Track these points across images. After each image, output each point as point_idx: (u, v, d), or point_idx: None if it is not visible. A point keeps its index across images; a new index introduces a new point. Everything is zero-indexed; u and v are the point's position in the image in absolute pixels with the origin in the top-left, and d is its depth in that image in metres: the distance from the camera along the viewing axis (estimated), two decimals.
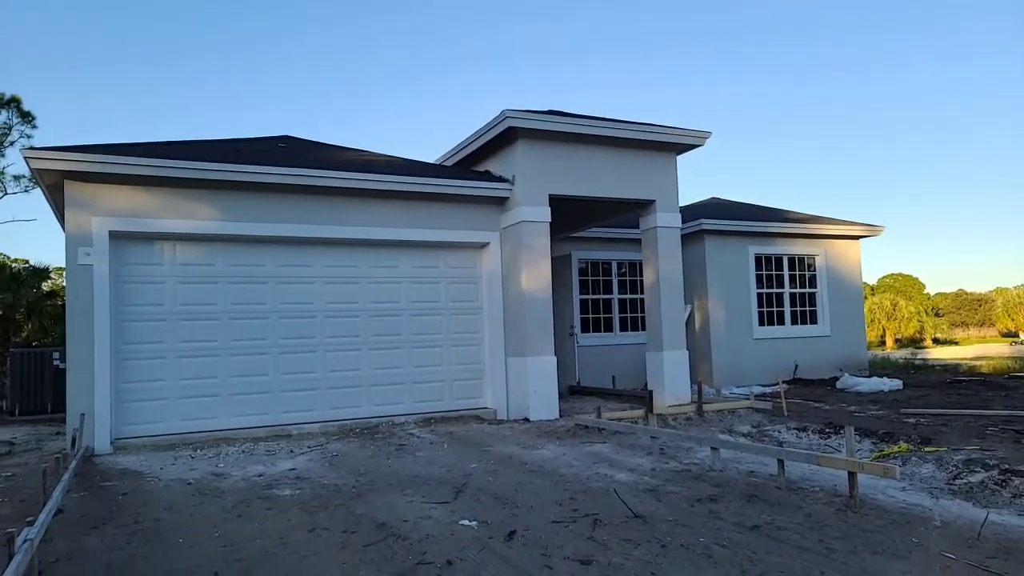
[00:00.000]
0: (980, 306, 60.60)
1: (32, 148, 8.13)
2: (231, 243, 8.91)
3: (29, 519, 3.87)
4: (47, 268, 28.42)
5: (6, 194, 23.04)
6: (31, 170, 8.05)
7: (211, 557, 4.09)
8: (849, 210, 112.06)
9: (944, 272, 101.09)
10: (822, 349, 14.75)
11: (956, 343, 41.54)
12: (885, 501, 4.93)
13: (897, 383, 12.03)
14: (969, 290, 64.33)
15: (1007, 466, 5.52)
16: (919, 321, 42.66)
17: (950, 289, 66.24)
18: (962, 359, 21.42)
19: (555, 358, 9.89)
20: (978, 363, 18.57)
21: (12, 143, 22.70)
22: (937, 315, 56.22)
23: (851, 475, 4.86)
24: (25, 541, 3.56)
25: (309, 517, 4.88)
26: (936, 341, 42.33)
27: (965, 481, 5.32)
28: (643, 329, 12.22)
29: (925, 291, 62.25)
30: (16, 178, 23.00)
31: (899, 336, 40.98)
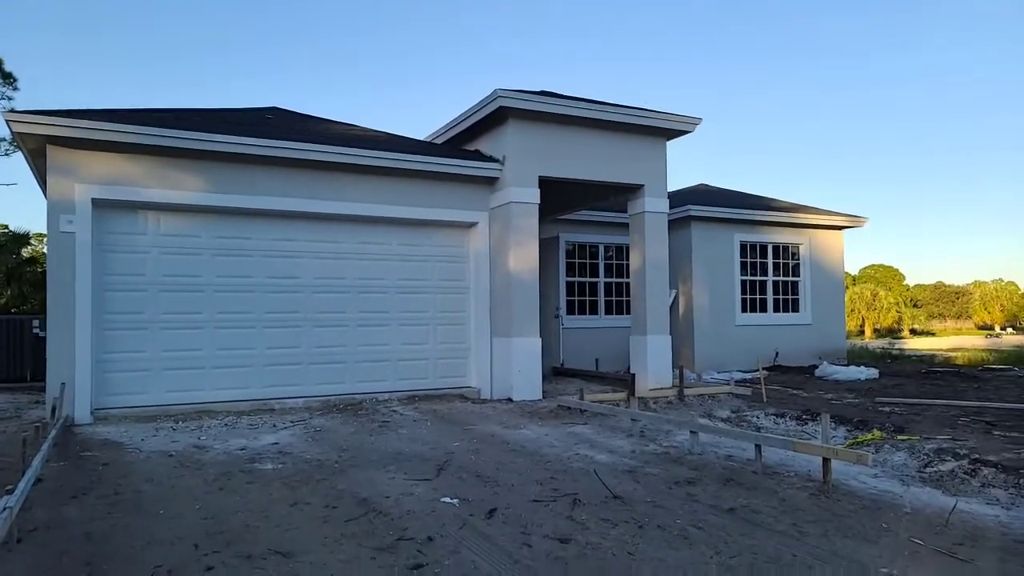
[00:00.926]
0: (958, 299, 61.60)
1: (14, 111, 7.97)
2: (217, 215, 8.84)
3: (8, 487, 3.85)
4: (27, 234, 28.02)
5: None
6: (12, 134, 7.90)
7: (192, 529, 4.10)
8: (833, 199, 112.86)
9: (924, 264, 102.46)
10: (803, 337, 14.95)
11: (933, 334, 42.26)
12: (857, 487, 5.05)
13: (874, 372, 12.25)
14: (948, 283, 65.39)
15: (977, 456, 5.67)
16: (898, 312, 43.32)
17: (929, 281, 67.29)
18: (938, 350, 21.82)
19: (540, 339, 9.95)
20: (954, 354, 18.94)
21: None
22: (916, 306, 57.08)
23: (825, 461, 4.98)
24: (4, 509, 3.56)
25: (291, 492, 4.90)
26: (914, 332, 43.04)
27: (936, 469, 5.46)
28: (628, 313, 12.33)
29: (905, 282, 63.12)
30: None
31: (878, 326, 41.61)
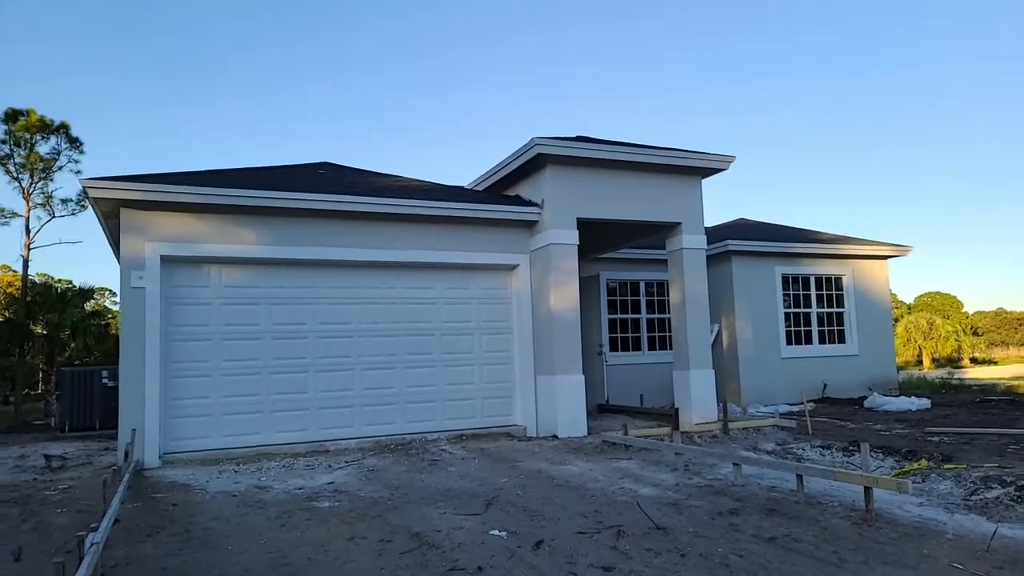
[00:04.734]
0: (1021, 324, 59.10)
1: (91, 178, 8.54)
2: (273, 266, 9.36)
3: (93, 525, 4.20)
4: (91, 288, 29.48)
5: (54, 217, 24.17)
6: (89, 199, 8.54)
7: (258, 563, 4.39)
8: (883, 227, 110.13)
9: (984, 290, 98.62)
10: (851, 368, 14.72)
11: (995, 363, 40.61)
12: (901, 516, 5.08)
13: (925, 402, 12.01)
14: (1009, 308, 62.86)
15: (1023, 483, 5.63)
16: (956, 340, 41.81)
17: (990, 307, 64.83)
18: (1000, 379, 21.05)
19: (583, 377, 10.11)
20: (1016, 383, 18.26)
21: (60, 168, 23.85)
22: (976, 334, 54.89)
23: (867, 490, 5.04)
24: (91, 545, 3.89)
25: (348, 527, 5.17)
26: (974, 360, 41.43)
27: (981, 497, 5.45)
28: (671, 348, 12.38)
29: (963, 310, 60.95)
30: (64, 201, 24.13)
31: (936, 355, 40.24)
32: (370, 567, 4.24)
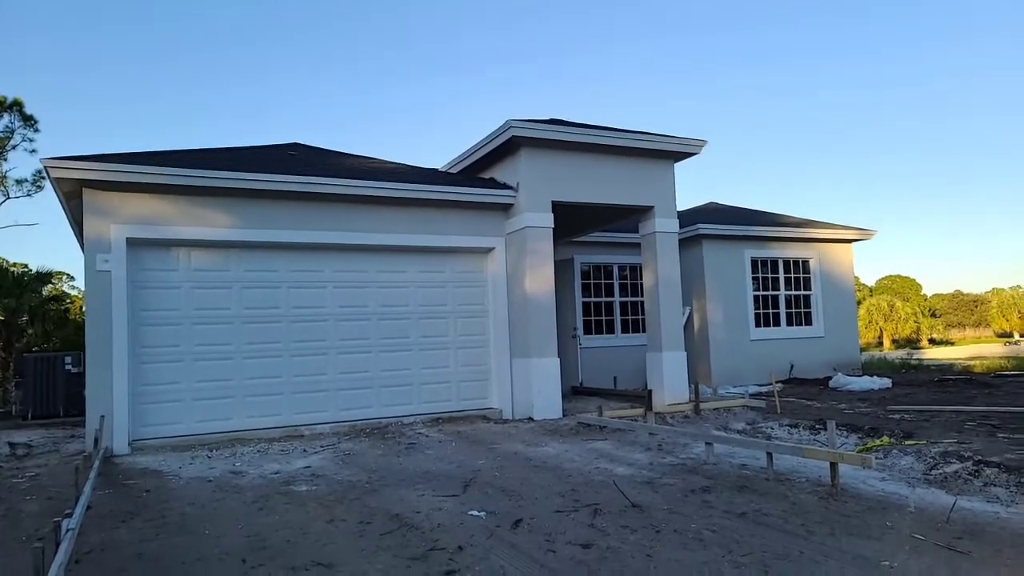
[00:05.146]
0: (976, 307, 61.11)
1: (52, 157, 8.22)
2: (244, 249, 9.23)
3: (67, 512, 4.16)
4: (49, 273, 28.69)
5: (8, 198, 23.45)
6: (50, 179, 8.29)
7: (237, 546, 4.39)
8: (848, 212, 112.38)
9: (942, 274, 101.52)
10: (816, 350, 15.09)
11: (952, 343, 41.97)
12: (865, 490, 5.27)
13: (887, 382, 12.39)
14: (966, 291, 64.93)
15: (980, 457, 5.89)
16: (916, 322, 43.10)
17: (947, 290, 66.84)
18: (956, 359, 21.77)
19: (558, 359, 10.20)
20: (972, 363, 18.89)
21: (14, 147, 23.08)
22: (934, 316, 56.64)
23: (832, 465, 5.22)
24: (67, 531, 3.86)
25: (326, 510, 5.19)
26: (932, 341, 42.75)
27: (940, 471, 5.68)
28: (644, 331, 12.55)
29: (922, 292, 62.73)
30: (19, 182, 23.40)
31: (896, 337, 41.40)
32: (350, 548, 4.27)
